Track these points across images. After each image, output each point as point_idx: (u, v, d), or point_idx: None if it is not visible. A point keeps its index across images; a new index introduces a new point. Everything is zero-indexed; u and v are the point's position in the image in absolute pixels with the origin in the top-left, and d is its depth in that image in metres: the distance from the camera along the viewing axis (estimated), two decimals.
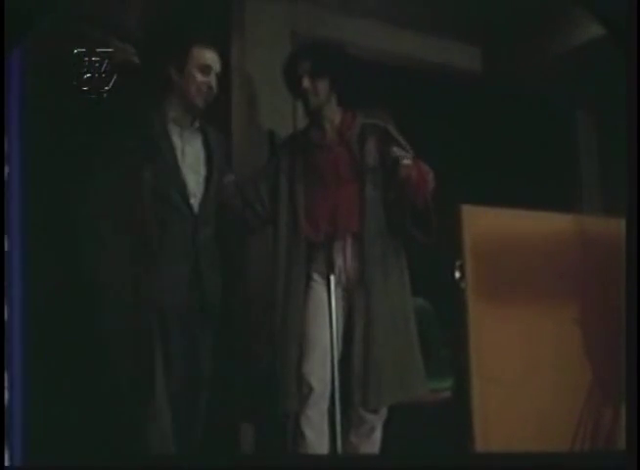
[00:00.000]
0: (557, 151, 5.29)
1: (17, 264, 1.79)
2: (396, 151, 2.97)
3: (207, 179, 3.07)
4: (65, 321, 2.36)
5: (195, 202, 3.02)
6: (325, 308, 2.96)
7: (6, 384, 1.79)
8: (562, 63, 4.91)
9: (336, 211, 3.07)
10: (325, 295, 2.98)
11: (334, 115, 3.22)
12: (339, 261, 3.04)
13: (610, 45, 2.40)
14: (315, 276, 3.08)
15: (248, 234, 3.33)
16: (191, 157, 3.06)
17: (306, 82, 3.14)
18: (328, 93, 3.17)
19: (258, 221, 3.19)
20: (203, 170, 3.08)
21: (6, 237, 1.82)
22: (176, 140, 3.04)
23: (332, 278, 2.96)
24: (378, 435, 3.13)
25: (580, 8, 3.30)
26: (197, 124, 3.13)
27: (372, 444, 3.11)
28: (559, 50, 4.86)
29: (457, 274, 3.57)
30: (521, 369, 3.59)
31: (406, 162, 2.93)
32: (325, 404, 2.98)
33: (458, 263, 3.58)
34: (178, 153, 3.02)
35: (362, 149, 3.11)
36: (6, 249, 1.80)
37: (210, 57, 3.08)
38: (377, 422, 3.11)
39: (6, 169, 1.78)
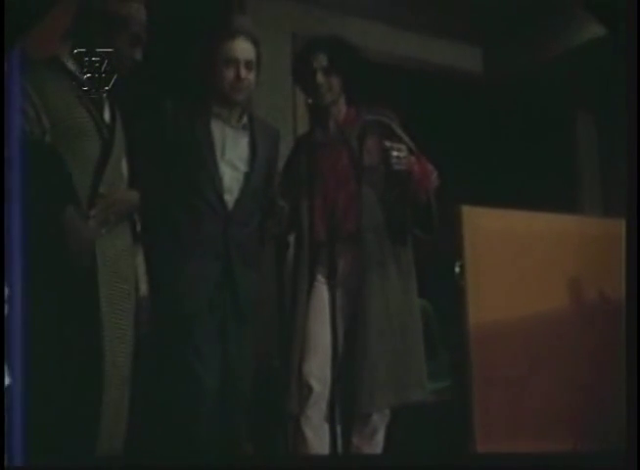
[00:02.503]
0: (557, 151, 5.30)
1: (17, 262, 1.79)
2: (389, 144, 2.93)
3: (248, 177, 3.00)
4: (66, 319, 2.35)
5: (230, 198, 2.96)
6: (326, 309, 2.95)
7: (6, 383, 1.79)
8: (562, 63, 4.91)
9: (334, 212, 3.05)
10: (327, 295, 2.97)
11: (340, 113, 3.18)
12: (340, 262, 3.03)
13: (609, 45, 2.40)
14: (319, 277, 3.07)
15: (283, 234, 3.27)
16: (232, 153, 2.99)
17: (320, 77, 3.09)
18: (340, 90, 3.13)
19: (290, 221, 3.15)
20: (244, 168, 3.00)
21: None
22: (217, 135, 2.98)
23: (333, 279, 2.95)
24: (380, 437, 3.10)
25: (580, 8, 3.30)
26: (244, 121, 3.05)
27: (374, 445, 3.09)
28: (559, 51, 4.87)
29: (457, 274, 3.57)
30: (521, 369, 3.60)
31: (396, 153, 2.91)
32: (325, 405, 2.97)
33: (458, 264, 3.59)
34: (217, 148, 2.96)
35: (361, 147, 3.04)
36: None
37: (239, 48, 2.97)
38: (380, 424, 3.09)
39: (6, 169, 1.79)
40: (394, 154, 2.90)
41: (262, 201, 3.04)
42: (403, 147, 2.94)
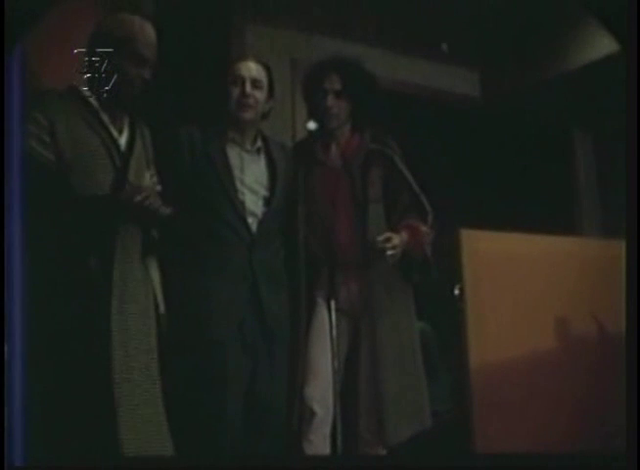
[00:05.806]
0: (556, 173, 5.32)
1: (17, 263, 1.80)
2: (379, 242, 2.88)
3: (268, 200, 2.95)
4: (66, 320, 2.35)
5: (253, 222, 2.91)
6: (327, 333, 2.93)
7: (6, 383, 1.79)
8: (560, 85, 4.95)
9: (332, 239, 3.02)
10: (327, 319, 2.95)
11: (343, 137, 3.12)
12: (342, 287, 3.00)
13: (607, 67, 2.42)
14: (319, 300, 3.02)
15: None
16: (251, 177, 2.94)
17: (331, 100, 3.03)
18: (347, 116, 3.08)
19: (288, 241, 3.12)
20: (263, 191, 2.95)
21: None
22: (234, 161, 2.94)
23: (332, 303, 2.93)
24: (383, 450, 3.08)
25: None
26: (258, 144, 3.00)
27: None
28: (556, 73, 4.91)
29: (457, 297, 3.57)
30: (521, 390, 3.59)
31: (391, 252, 2.89)
32: (327, 429, 2.93)
33: (458, 286, 3.59)
34: (236, 174, 2.92)
35: (365, 178, 3.04)
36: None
37: (245, 67, 2.95)
38: None
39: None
40: (389, 253, 2.89)
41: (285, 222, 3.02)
42: (393, 236, 2.92)
